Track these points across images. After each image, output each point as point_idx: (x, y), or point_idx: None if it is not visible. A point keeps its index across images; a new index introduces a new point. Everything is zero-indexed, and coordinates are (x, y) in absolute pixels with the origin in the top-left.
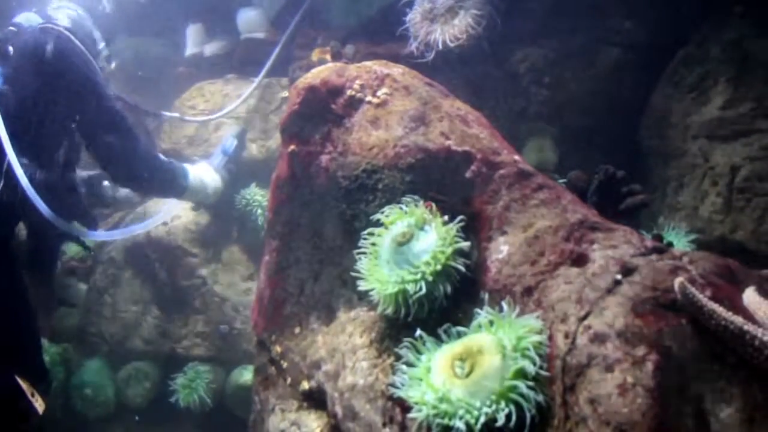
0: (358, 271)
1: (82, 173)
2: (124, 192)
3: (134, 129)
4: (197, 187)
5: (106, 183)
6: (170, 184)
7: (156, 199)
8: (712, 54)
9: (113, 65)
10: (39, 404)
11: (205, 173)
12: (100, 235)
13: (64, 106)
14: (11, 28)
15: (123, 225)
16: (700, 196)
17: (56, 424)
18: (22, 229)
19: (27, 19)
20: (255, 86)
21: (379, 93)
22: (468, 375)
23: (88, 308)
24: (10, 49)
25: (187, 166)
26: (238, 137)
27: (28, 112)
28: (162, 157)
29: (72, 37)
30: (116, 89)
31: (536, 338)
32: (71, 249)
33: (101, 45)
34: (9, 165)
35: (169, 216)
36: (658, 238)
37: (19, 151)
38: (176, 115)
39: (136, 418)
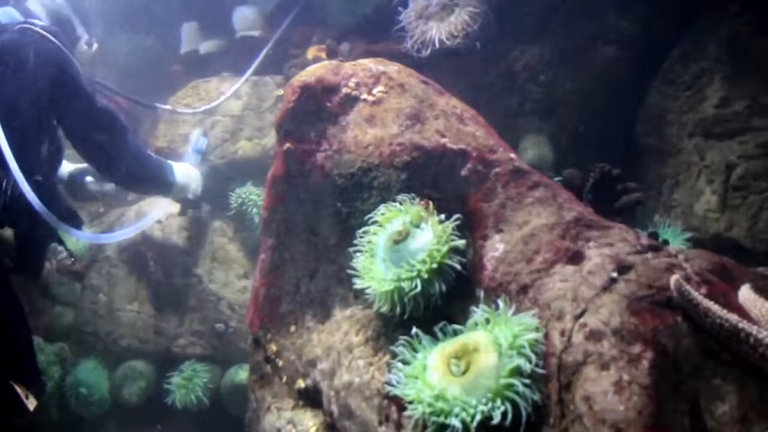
0: (354, 269)
1: (63, 169)
2: (109, 186)
3: (124, 124)
4: (183, 182)
5: (89, 178)
6: (160, 181)
7: (147, 198)
8: (708, 52)
9: (95, 47)
10: (30, 403)
11: (188, 169)
12: (92, 237)
13: (46, 109)
14: None
15: (118, 227)
16: (695, 193)
17: (51, 423)
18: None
19: (5, 14)
20: (245, 78)
21: (374, 91)
22: (464, 373)
23: (84, 307)
24: None
25: (171, 162)
26: (204, 134)
27: (6, 113)
28: (151, 153)
29: (52, 38)
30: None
31: (532, 336)
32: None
33: (80, 30)
34: None
35: (161, 215)
36: (654, 235)
37: None
38: (168, 107)
39: None
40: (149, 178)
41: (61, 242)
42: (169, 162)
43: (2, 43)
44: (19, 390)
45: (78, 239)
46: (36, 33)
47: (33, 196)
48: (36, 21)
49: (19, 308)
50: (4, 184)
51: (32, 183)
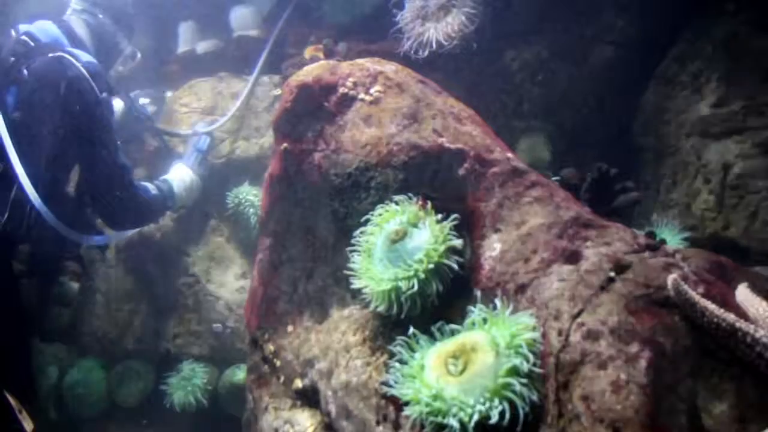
0: (351, 269)
1: None
2: None
3: (133, 178)
4: (182, 197)
5: None
6: (163, 211)
7: None
8: (705, 51)
9: (138, 58)
10: (27, 422)
11: (185, 179)
12: (90, 239)
13: (72, 145)
14: (25, 37)
15: None
16: (692, 193)
17: (49, 423)
18: None
19: (44, 31)
20: (250, 86)
21: (372, 90)
22: (461, 372)
23: (81, 307)
24: (25, 72)
25: (169, 180)
26: (209, 133)
27: (38, 143)
28: (153, 191)
29: (88, 77)
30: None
31: (530, 336)
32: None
33: (124, 44)
34: (17, 192)
35: None
36: (651, 235)
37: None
38: (189, 132)
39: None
40: (155, 216)
41: (81, 264)
42: (168, 181)
43: (37, 66)
44: (13, 402)
45: (96, 243)
46: (74, 68)
47: (50, 214)
48: (80, 54)
49: (21, 317)
50: (28, 208)
51: (54, 207)
